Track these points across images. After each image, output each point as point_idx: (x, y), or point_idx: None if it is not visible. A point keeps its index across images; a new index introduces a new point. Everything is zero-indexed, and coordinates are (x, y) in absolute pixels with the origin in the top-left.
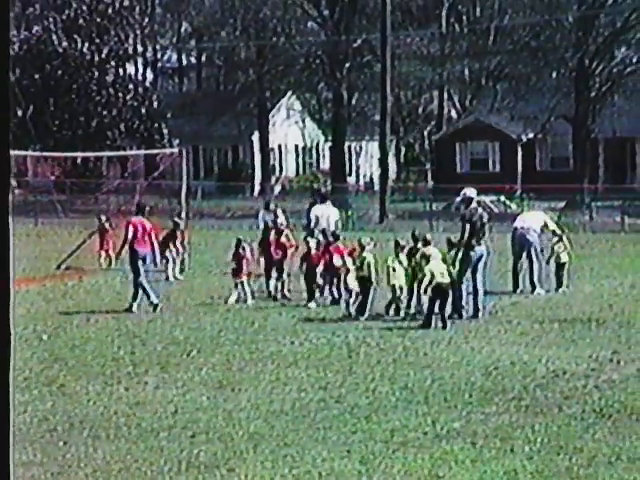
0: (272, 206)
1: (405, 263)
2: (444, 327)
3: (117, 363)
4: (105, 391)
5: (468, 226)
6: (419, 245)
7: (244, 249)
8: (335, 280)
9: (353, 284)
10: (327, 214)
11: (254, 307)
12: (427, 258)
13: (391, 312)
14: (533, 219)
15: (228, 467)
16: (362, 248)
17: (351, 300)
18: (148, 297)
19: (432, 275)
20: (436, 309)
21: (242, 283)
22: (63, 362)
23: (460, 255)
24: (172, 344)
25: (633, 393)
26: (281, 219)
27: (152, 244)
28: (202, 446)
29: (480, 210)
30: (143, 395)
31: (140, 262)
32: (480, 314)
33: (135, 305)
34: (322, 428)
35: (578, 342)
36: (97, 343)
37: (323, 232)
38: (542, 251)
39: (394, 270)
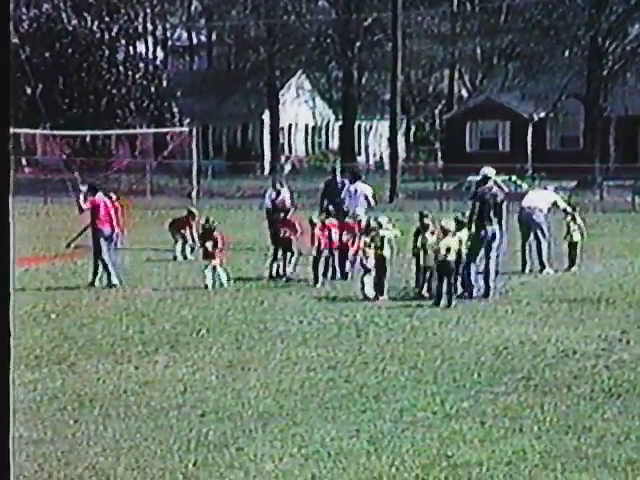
0: (278, 185)
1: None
2: (448, 305)
3: (126, 342)
4: (115, 370)
5: (478, 204)
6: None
7: (214, 229)
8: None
9: (370, 263)
10: (361, 191)
11: (263, 286)
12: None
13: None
14: (540, 199)
15: (237, 446)
16: (379, 226)
17: (366, 279)
18: (108, 276)
19: (437, 251)
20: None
21: (214, 266)
22: (73, 341)
23: (470, 234)
24: (181, 323)
25: None
26: (284, 197)
27: (112, 222)
28: (211, 425)
29: (495, 189)
30: (153, 374)
31: (102, 240)
32: (491, 293)
33: (97, 280)
34: (331, 407)
35: (587, 322)
36: (106, 322)
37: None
38: (549, 230)
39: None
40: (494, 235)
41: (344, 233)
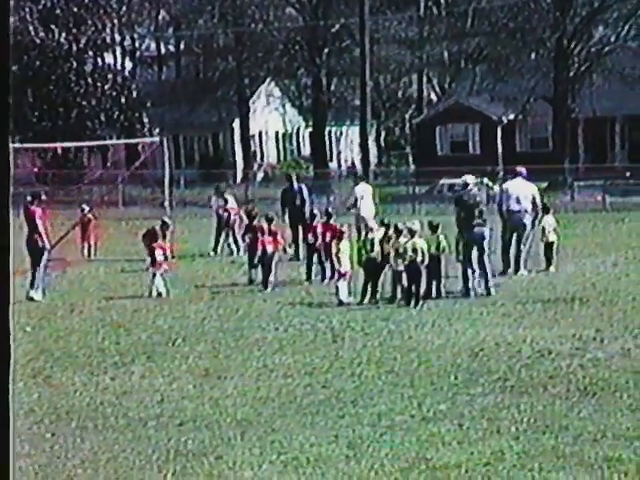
0: (222, 190)
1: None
2: (415, 306)
3: (102, 353)
4: (91, 381)
5: (458, 209)
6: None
7: (158, 238)
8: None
9: (344, 268)
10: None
11: (238, 294)
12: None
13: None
14: (526, 199)
15: (216, 454)
16: (400, 233)
17: (339, 284)
18: (32, 286)
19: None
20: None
21: (155, 275)
22: (48, 353)
23: (459, 237)
24: (157, 333)
25: (617, 371)
26: (231, 204)
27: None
28: (189, 434)
29: (475, 191)
30: (129, 385)
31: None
32: (493, 291)
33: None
34: (309, 413)
35: (562, 322)
36: (82, 334)
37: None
38: (532, 231)
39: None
40: (483, 235)
41: (327, 235)
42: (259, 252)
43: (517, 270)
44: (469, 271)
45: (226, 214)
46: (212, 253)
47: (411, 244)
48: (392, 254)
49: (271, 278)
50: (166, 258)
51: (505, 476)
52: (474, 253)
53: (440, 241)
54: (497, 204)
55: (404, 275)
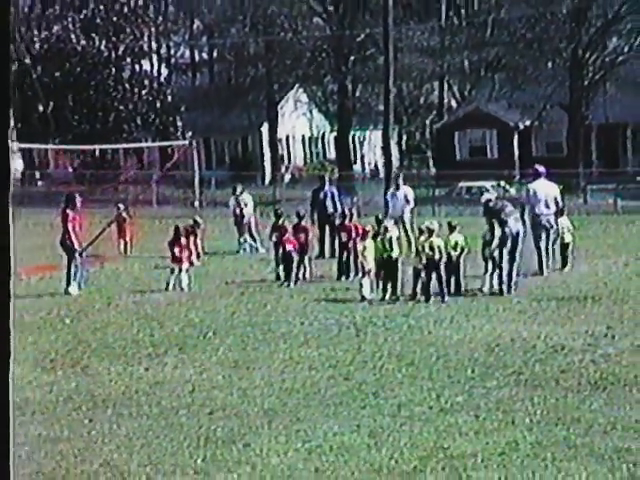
0: (238, 191)
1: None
2: (426, 300)
3: (137, 345)
4: (126, 371)
5: (488, 218)
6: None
7: (181, 237)
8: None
9: (368, 265)
10: (406, 194)
11: (266, 289)
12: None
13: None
14: (551, 200)
15: (244, 442)
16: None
17: (363, 281)
18: (68, 281)
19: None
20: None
21: (180, 270)
22: (86, 344)
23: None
24: (189, 326)
25: (627, 366)
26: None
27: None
28: (219, 422)
29: (500, 202)
30: (162, 375)
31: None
32: (513, 290)
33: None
34: (332, 404)
35: (574, 319)
36: (117, 326)
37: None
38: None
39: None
40: (518, 233)
41: (353, 234)
42: (283, 249)
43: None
44: (503, 268)
45: (241, 214)
46: (241, 251)
47: (429, 243)
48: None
49: (298, 274)
50: (190, 255)
51: (519, 465)
52: (505, 251)
53: (458, 241)
54: (522, 206)
55: (423, 272)
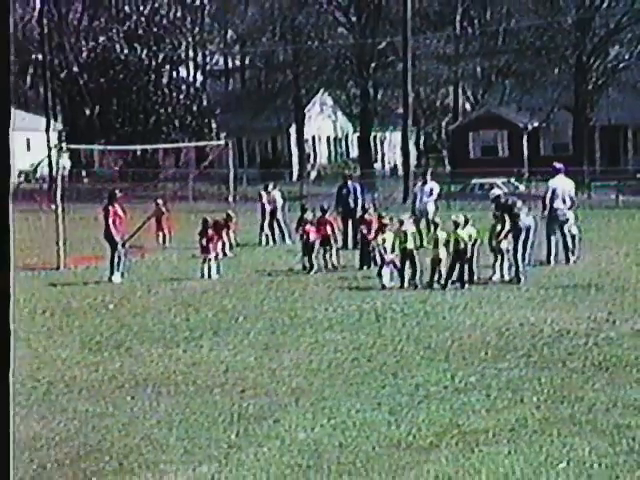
0: (270, 188)
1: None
2: (462, 287)
3: (175, 329)
4: (165, 353)
5: (500, 212)
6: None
7: (209, 229)
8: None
9: (388, 256)
10: (432, 189)
11: (293, 278)
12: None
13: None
14: (567, 195)
15: (274, 418)
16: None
17: (384, 270)
18: (111, 270)
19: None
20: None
21: (209, 259)
22: (128, 328)
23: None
24: (222, 312)
25: (628, 349)
26: (275, 197)
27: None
28: (250, 400)
29: (511, 198)
30: (198, 356)
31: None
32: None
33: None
34: (355, 383)
35: (579, 305)
36: (157, 311)
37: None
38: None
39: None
40: (529, 227)
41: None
42: (307, 240)
43: (568, 259)
44: (519, 258)
45: (269, 207)
46: (271, 242)
47: (455, 235)
48: (432, 246)
49: (316, 263)
50: (223, 246)
51: (527, 440)
52: (517, 243)
53: (471, 233)
54: (544, 200)
55: (442, 262)
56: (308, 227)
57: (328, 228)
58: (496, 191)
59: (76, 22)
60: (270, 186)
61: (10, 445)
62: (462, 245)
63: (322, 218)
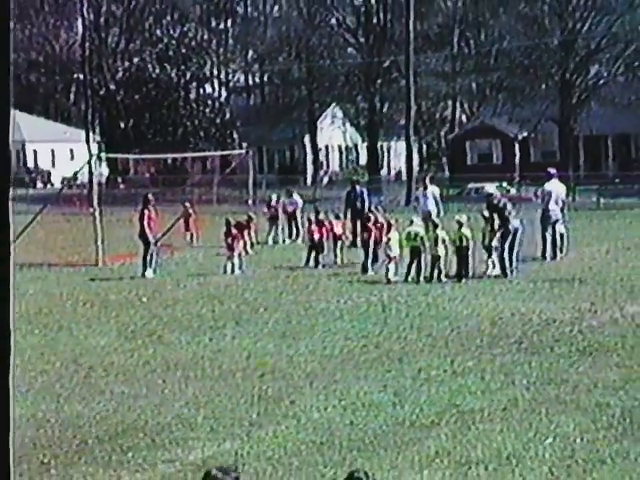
0: (293, 193)
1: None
2: (459, 281)
3: (201, 319)
4: (193, 341)
5: (490, 212)
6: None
7: (232, 229)
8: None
9: (393, 253)
10: (433, 193)
11: (308, 273)
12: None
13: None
14: (560, 198)
15: (290, 399)
16: (435, 226)
17: (390, 266)
18: (144, 266)
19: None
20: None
21: (233, 257)
22: (159, 318)
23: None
24: (244, 304)
25: (608, 336)
26: (296, 201)
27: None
28: (269, 383)
29: (503, 199)
30: (222, 344)
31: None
32: (514, 274)
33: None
34: (364, 368)
35: (564, 297)
36: (185, 303)
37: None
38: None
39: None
40: (517, 229)
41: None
42: (317, 239)
43: (556, 255)
44: (505, 256)
45: (290, 208)
46: (287, 241)
47: (459, 233)
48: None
49: (325, 260)
50: (245, 244)
51: (518, 418)
52: (506, 242)
53: (465, 233)
54: (542, 202)
55: (442, 259)
56: (317, 227)
57: (323, 230)
58: (490, 189)
59: (114, 45)
60: (294, 193)
61: (10, 445)
62: (465, 242)
63: (318, 219)
